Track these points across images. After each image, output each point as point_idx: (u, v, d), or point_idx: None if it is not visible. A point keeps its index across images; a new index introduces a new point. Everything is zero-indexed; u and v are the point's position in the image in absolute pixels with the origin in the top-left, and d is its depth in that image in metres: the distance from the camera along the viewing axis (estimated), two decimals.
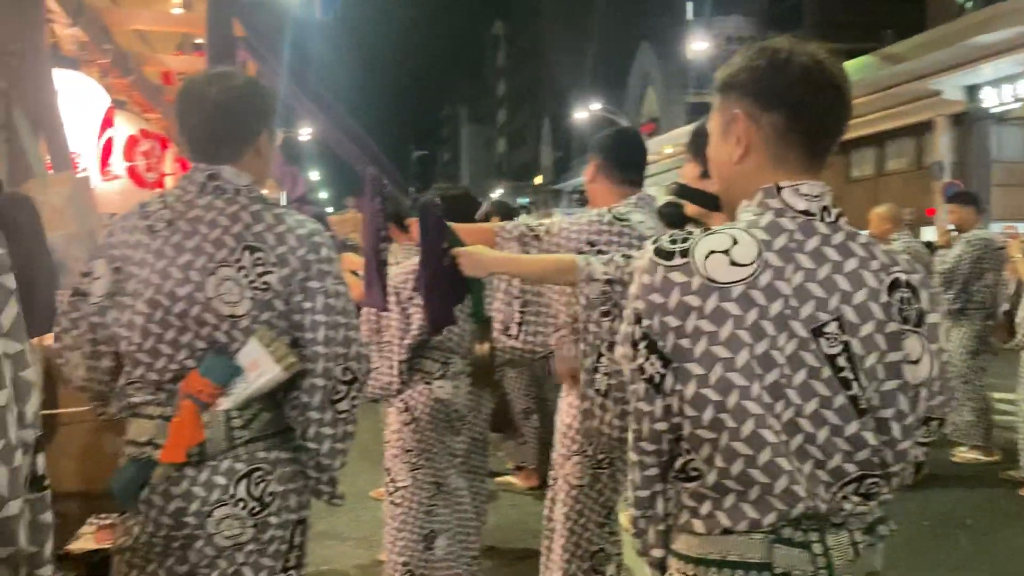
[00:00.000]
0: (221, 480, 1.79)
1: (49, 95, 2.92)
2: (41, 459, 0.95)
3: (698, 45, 30.48)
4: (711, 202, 1.72)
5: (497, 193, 48.82)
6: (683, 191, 2.37)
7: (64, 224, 2.39)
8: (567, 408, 2.90)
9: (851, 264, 1.31)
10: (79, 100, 3.35)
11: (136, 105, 5.23)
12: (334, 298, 1.88)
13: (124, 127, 4.02)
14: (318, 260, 1.87)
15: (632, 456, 1.35)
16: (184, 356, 1.81)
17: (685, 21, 37.27)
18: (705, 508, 1.30)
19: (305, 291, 1.86)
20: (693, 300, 1.26)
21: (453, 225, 2.91)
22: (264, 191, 2.00)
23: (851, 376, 1.27)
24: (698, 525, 1.31)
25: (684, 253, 1.29)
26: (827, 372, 1.27)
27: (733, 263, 1.27)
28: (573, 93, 44.36)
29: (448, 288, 2.96)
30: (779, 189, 1.34)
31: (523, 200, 36.88)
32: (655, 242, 1.33)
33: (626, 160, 2.87)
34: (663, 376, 1.28)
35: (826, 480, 1.28)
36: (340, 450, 1.91)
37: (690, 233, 1.34)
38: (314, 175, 36.80)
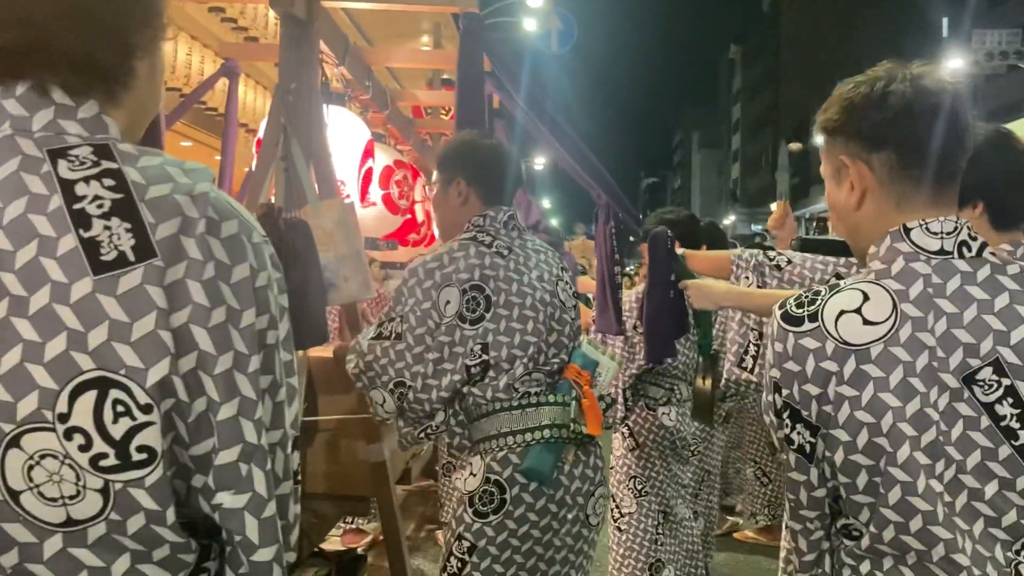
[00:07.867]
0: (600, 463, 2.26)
1: (320, 129, 3.20)
2: (296, 457, 1.06)
3: (955, 63, 28.19)
4: (837, 249, 1.68)
5: (730, 220, 47.52)
6: (804, 244, 2.55)
7: (335, 246, 2.61)
8: None
9: (1002, 300, 1.17)
10: (344, 133, 3.65)
11: (391, 138, 5.61)
12: None
13: (381, 158, 4.32)
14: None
15: (794, 525, 1.27)
16: (559, 351, 2.24)
17: (941, 39, 34.68)
18: (864, 568, 1.21)
19: None
20: (830, 365, 1.16)
21: (689, 252, 2.87)
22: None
23: (1017, 425, 1.14)
24: None
25: (813, 317, 1.18)
26: (985, 422, 1.14)
27: (867, 322, 1.16)
28: (812, 118, 42.41)
29: (672, 320, 2.94)
30: (907, 231, 1.22)
31: (757, 228, 35.65)
32: (781, 307, 1.23)
33: None
34: (812, 444, 1.19)
35: (1004, 539, 1.15)
36: None
37: (816, 293, 1.22)
38: (546, 203, 37.82)
